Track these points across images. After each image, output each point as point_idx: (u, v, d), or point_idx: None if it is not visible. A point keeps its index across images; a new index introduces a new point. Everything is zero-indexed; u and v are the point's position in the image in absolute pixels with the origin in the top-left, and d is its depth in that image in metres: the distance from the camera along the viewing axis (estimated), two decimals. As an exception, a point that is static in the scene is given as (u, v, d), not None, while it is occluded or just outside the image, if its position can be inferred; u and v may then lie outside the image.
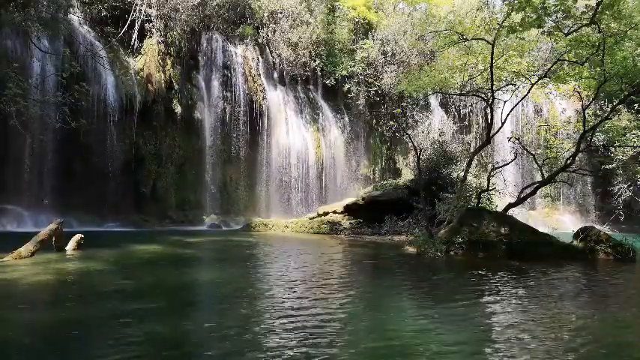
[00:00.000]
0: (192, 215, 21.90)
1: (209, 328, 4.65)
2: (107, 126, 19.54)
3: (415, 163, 17.47)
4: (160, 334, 4.37)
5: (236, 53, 24.88)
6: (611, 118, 14.14)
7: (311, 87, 28.63)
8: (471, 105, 29.78)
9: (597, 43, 11.03)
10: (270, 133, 25.35)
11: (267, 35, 26.44)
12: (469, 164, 14.39)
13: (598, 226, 13.80)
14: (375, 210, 18.34)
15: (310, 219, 19.91)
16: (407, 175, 26.26)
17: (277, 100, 26.15)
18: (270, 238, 16.29)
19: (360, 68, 28.19)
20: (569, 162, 13.30)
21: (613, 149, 18.75)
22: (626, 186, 22.62)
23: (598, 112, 16.74)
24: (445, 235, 11.46)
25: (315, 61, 27.03)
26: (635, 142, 17.03)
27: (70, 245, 9.99)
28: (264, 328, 4.61)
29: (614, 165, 21.60)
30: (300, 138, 26.17)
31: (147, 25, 21.73)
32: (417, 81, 16.80)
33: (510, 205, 12.98)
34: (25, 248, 8.72)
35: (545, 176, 14.09)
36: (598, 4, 10.64)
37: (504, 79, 14.59)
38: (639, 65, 11.70)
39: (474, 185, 17.67)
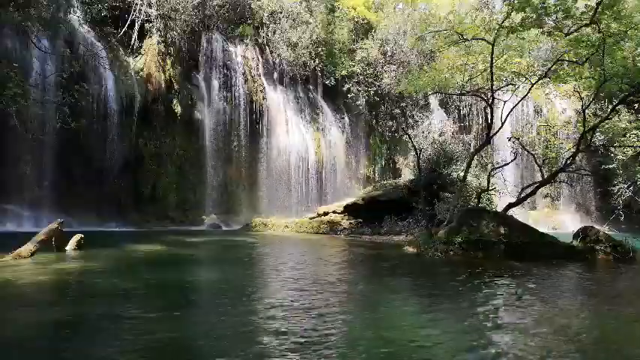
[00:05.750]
0: (192, 215, 21.89)
1: (209, 328, 4.65)
2: (107, 126, 19.54)
3: (415, 163, 17.47)
4: (160, 333, 4.37)
5: (236, 53, 24.88)
6: (611, 118, 14.12)
7: (311, 87, 28.64)
8: (471, 105, 29.77)
9: (597, 43, 11.02)
10: (270, 133, 25.36)
11: (267, 35, 26.45)
12: (469, 164, 14.38)
13: (598, 226, 13.77)
14: (375, 210, 18.33)
15: (310, 219, 19.91)
16: (407, 175, 26.25)
17: (277, 100, 26.15)
18: (269, 238, 16.29)
19: (360, 68, 28.19)
20: (569, 162, 13.29)
21: (613, 149, 18.73)
22: (626, 186, 22.59)
23: (598, 112, 16.72)
24: (445, 235, 11.45)
25: (315, 61, 27.03)
26: (635, 142, 17.01)
27: (70, 245, 9.99)
28: (264, 328, 4.61)
29: (614, 165, 21.57)
30: (300, 138, 26.17)
31: (147, 25, 21.74)
32: (417, 81, 16.83)
33: (510, 205, 12.98)
34: (25, 248, 8.72)
35: (545, 176, 14.08)
36: (598, 4, 10.63)
37: (504, 79, 14.58)
38: (639, 65, 11.70)
39: (474, 185, 17.68)
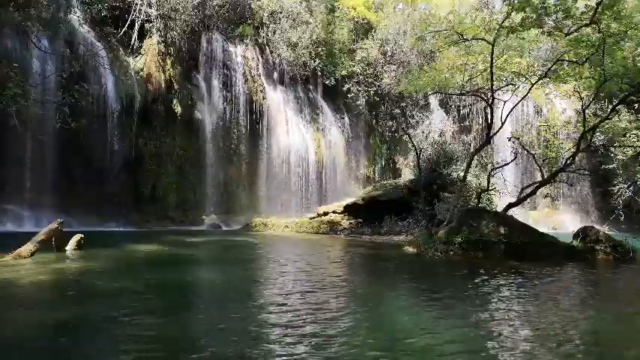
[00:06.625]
0: (192, 215, 21.90)
1: (210, 328, 4.65)
2: (107, 126, 19.55)
3: (415, 163, 17.47)
4: (160, 334, 4.37)
5: (236, 53, 24.90)
6: (611, 118, 14.13)
7: (311, 87, 28.65)
8: (471, 105, 29.78)
9: (597, 43, 11.03)
10: (270, 133, 25.37)
11: (267, 35, 26.46)
12: (469, 164, 14.39)
13: (598, 226, 13.78)
14: (375, 210, 18.33)
15: (310, 219, 19.91)
16: (407, 175, 26.26)
17: (277, 100, 26.17)
18: (270, 238, 16.29)
19: (360, 68, 28.20)
20: (569, 162, 13.29)
21: (613, 149, 18.75)
22: (626, 186, 22.60)
23: (598, 112, 16.73)
24: (445, 235, 11.45)
25: (315, 61, 27.05)
26: (635, 142, 17.03)
27: (70, 245, 9.98)
28: (264, 328, 4.61)
29: (614, 165, 21.59)
30: (300, 138, 26.18)
31: (147, 25, 21.74)
32: (417, 81, 16.85)
33: (510, 205, 12.98)
34: (25, 248, 8.71)
35: (545, 176, 14.09)
36: (598, 4, 10.64)
37: (504, 79, 14.59)
38: (639, 65, 11.70)
39: (474, 185, 17.69)
